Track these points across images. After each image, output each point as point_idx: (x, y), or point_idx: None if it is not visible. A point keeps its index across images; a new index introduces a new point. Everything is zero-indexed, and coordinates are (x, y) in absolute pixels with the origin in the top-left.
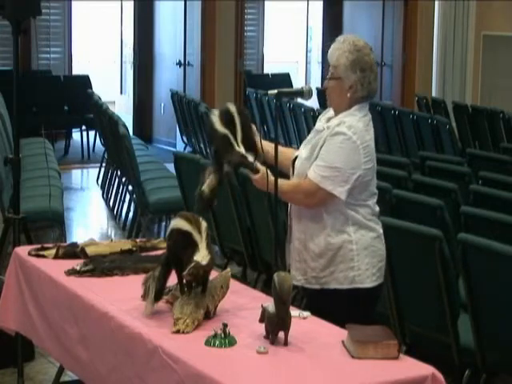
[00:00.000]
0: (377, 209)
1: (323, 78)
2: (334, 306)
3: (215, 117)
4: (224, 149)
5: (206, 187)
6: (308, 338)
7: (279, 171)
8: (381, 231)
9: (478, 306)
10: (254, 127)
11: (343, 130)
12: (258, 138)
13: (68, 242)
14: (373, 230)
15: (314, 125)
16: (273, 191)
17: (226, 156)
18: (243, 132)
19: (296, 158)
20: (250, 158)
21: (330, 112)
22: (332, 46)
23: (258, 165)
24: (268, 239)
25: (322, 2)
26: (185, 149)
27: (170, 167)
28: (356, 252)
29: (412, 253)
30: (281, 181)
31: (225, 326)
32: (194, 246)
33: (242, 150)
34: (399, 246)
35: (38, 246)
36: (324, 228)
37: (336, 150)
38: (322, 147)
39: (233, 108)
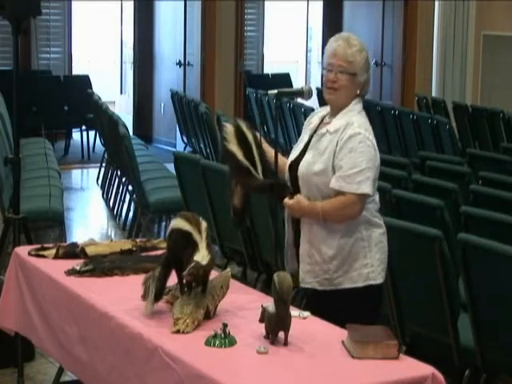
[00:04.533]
0: (379, 204)
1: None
2: (347, 305)
3: (231, 137)
4: (246, 178)
5: (236, 200)
6: (308, 337)
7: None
8: (384, 227)
9: (478, 306)
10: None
11: (357, 130)
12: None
13: (68, 242)
14: (380, 226)
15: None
16: (308, 215)
17: (248, 183)
18: (259, 156)
19: (292, 163)
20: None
21: (322, 111)
22: (338, 43)
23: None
24: (268, 239)
25: (321, 2)
26: (185, 149)
27: (170, 167)
28: (368, 249)
29: (412, 253)
30: (321, 203)
31: (225, 326)
32: (194, 246)
33: (260, 176)
34: (399, 246)
35: (38, 246)
36: (338, 230)
37: (359, 151)
38: (337, 154)
39: (244, 127)
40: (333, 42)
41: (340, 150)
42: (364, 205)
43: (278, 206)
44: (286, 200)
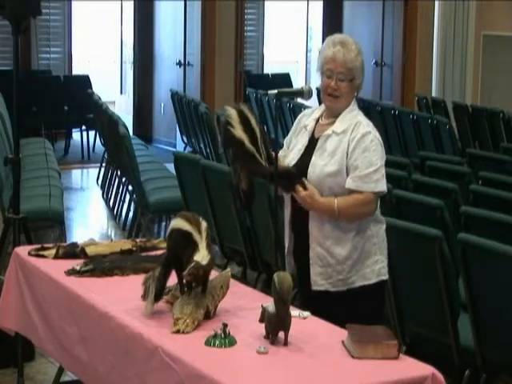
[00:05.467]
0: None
1: None
2: (360, 303)
3: (235, 122)
4: (251, 165)
5: (243, 184)
6: (308, 337)
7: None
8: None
9: (478, 306)
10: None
11: (367, 129)
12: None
13: (68, 242)
14: (383, 222)
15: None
16: (319, 209)
17: (253, 170)
18: (263, 141)
19: (294, 165)
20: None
21: (315, 113)
22: (336, 49)
23: (305, 181)
24: (268, 239)
25: (321, 2)
26: (185, 149)
27: (170, 167)
28: (378, 245)
29: (412, 253)
30: (336, 200)
31: (225, 326)
32: (194, 246)
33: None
34: (399, 246)
35: (38, 245)
36: (350, 230)
37: (372, 150)
38: (351, 155)
39: (247, 111)
40: (330, 47)
41: (353, 150)
42: (378, 202)
43: (278, 206)
44: (300, 189)
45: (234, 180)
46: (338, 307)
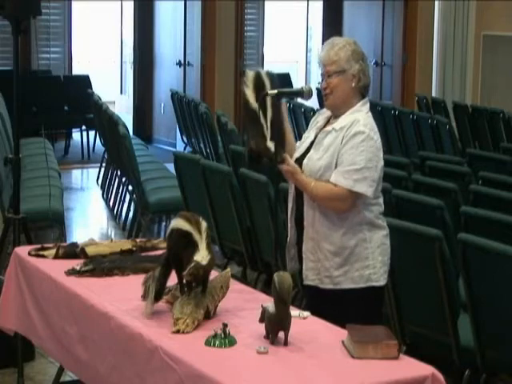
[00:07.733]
0: (383, 207)
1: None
2: (348, 306)
3: (249, 82)
4: (251, 124)
5: (251, 142)
6: (308, 337)
7: None
8: (387, 229)
9: (478, 306)
10: (284, 107)
11: (361, 128)
12: (287, 124)
13: (68, 242)
14: (383, 228)
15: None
16: (302, 187)
17: (251, 132)
18: (273, 112)
19: (297, 158)
20: (272, 149)
21: (327, 112)
22: (324, 50)
23: (288, 158)
24: (268, 239)
25: (321, 2)
26: (185, 149)
27: (170, 167)
28: (370, 250)
29: (412, 253)
30: (315, 182)
31: (225, 325)
32: (194, 246)
33: (267, 133)
34: (399, 246)
35: (38, 246)
36: (339, 227)
37: (360, 150)
38: (341, 150)
39: (264, 75)
40: (320, 52)
41: (343, 146)
42: (355, 202)
43: (278, 206)
44: (283, 166)
45: (244, 137)
46: (327, 305)
